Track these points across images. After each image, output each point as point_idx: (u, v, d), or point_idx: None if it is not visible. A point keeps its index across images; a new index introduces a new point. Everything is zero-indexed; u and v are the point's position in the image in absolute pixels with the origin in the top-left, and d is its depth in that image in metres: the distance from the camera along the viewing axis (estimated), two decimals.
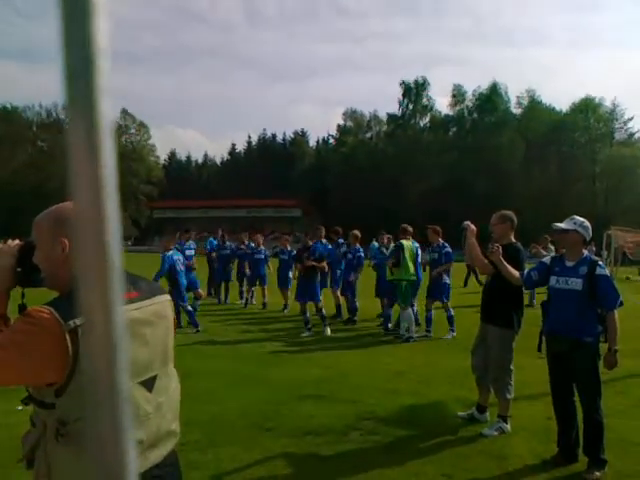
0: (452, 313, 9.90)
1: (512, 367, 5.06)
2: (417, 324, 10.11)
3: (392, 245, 10.75)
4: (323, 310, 9.99)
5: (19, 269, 1.73)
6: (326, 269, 10.67)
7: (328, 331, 9.92)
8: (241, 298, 14.14)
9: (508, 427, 4.99)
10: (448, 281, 9.98)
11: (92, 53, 0.40)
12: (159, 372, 1.73)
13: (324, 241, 12.60)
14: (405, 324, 9.54)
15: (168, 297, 1.85)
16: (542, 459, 4.32)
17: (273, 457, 4.35)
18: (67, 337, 1.49)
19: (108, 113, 0.41)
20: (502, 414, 5.03)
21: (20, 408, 5.20)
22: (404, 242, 9.73)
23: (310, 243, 10.45)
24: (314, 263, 9.89)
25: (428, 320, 9.95)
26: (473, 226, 5.34)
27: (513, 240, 5.20)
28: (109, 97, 0.41)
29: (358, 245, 11.74)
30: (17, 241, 1.81)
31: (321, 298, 9.97)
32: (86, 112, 0.40)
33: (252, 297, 14.12)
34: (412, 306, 9.78)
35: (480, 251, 5.14)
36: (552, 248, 13.10)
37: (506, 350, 5.02)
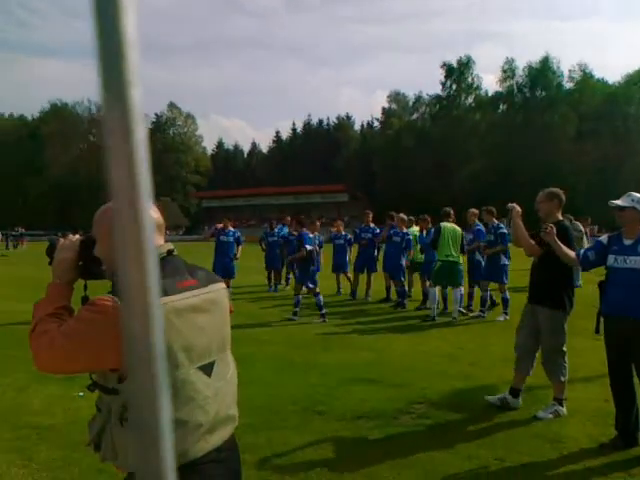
0: (508, 296, 9.78)
1: (565, 349, 4.94)
2: (461, 305, 10.15)
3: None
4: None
5: (80, 263, 1.79)
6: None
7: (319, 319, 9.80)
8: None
9: (564, 410, 4.87)
10: (507, 262, 9.83)
11: (123, 46, 0.42)
12: (217, 358, 1.77)
13: (372, 225, 12.64)
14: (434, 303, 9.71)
15: (224, 285, 1.90)
16: (599, 443, 4.22)
17: (324, 441, 4.40)
18: None
19: (139, 103, 0.43)
20: (558, 397, 4.92)
21: (81, 394, 5.43)
22: (444, 224, 9.84)
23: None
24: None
25: (483, 301, 9.89)
26: (518, 207, 5.21)
27: (560, 218, 5.05)
28: (139, 88, 0.43)
29: (405, 229, 11.66)
30: (77, 236, 1.88)
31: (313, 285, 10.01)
32: (119, 102, 0.43)
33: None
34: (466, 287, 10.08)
35: (526, 233, 5.02)
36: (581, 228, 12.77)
37: (559, 332, 4.90)
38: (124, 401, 1.58)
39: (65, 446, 4.32)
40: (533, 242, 4.90)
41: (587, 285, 11.58)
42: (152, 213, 1.57)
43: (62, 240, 1.84)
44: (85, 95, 78.92)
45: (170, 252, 1.77)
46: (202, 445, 1.67)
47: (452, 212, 10.07)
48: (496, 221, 9.89)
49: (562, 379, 4.91)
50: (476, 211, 10.22)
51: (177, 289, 1.68)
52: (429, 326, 9.25)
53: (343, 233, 13.30)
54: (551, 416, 4.80)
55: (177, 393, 1.63)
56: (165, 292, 1.63)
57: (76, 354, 1.58)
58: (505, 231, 9.63)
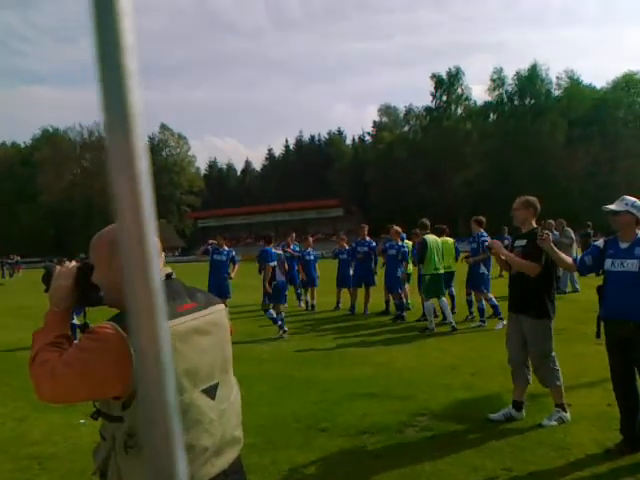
0: (495, 302, 9.86)
1: (554, 354, 4.90)
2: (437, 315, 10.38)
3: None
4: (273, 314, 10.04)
5: (79, 290, 1.78)
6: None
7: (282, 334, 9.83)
8: (299, 300, 14.21)
9: (568, 416, 4.84)
10: (486, 272, 9.85)
11: (125, 73, 0.45)
12: (220, 380, 1.76)
13: (368, 239, 12.67)
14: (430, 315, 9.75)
15: (224, 307, 1.89)
16: (605, 448, 4.20)
17: (329, 457, 4.37)
18: (131, 350, 1.53)
19: (142, 133, 0.46)
20: (558, 403, 4.88)
21: (83, 421, 5.39)
22: (429, 237, 9.97)
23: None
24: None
25: (481, 310, 9.93)
26: (496, 242, 5.31)
27: (534, 225, 5.09)
28: (143, 118, 0.46)
29: (400, 241, 11.67)
30: (74, 263, 1.88)
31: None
32: (123, 132, 0.46)
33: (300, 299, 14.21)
34: (451, 296, 10.60)
35: (517, 257, 4.97)
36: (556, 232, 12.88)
37: (545, 338, 4.86)
38: (128, 429, 1.56)
39: (67, 475, 4.27)
40: (527, 262, 4.85)
41: (586, 290, 11.62)
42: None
43: (58, 267, 1.83)
44: (77, 120, 79.25)
45: (168, 276, 1.77)
46: (209, 469, 1.65)
47: (446, 228, 10.35)
48: (481, 230, 10.02)
49: (558, 383, 4.87)
50: (481, 219, 10.23)
51: (177, 313, 1.67)
52: (428, 338, 9.23)
53: (347, 248, 13.34)
54: (555, 423, 4.76)
55: (182, 418, 1.60)
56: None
57: (78, 383, 1.56)
58: (487, 239, 9.71)
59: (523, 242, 5.02)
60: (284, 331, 9.83)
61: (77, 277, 1.77)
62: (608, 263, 4.27)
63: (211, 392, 1.71)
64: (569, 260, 4.64)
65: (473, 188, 56.18)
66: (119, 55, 0.44)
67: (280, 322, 9.91)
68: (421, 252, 9.88)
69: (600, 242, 4.54)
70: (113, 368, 1.54)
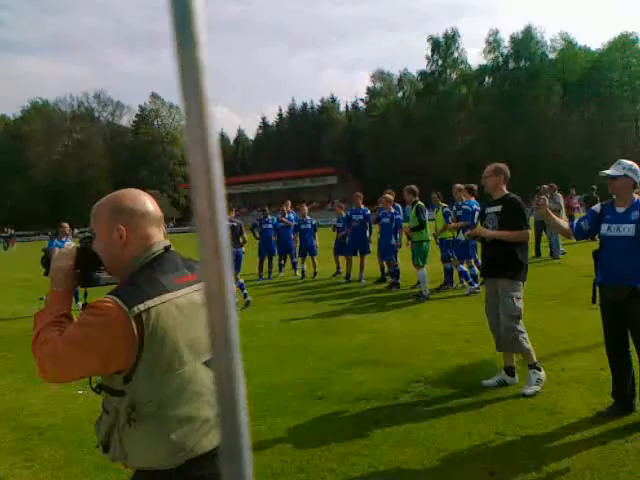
0: (463, 269, 10.21)
1: (522, 318, 4.90)
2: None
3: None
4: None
5: (78, 270, 1.77)
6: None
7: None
8: (294, 269, 14.25)
9: (543, 374, 4.86)
10: (461, 239, 9.86)
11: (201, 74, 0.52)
12: None
13: (363, 207, 12.65)
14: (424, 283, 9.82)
15: None
16: (597, 411, 4.26)
17: (325, 424, 4.43)
18: (133, 324, 1.53)
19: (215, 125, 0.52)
20: (531, 363, 4.87)
21: (81, 392, 5.43)
22: (421, 204, 10.03)
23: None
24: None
25: (474, 276, 10.00)
26: (475, 231, 5.39)
27: (506, 192, 5.10)
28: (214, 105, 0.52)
29: (392, 209, 11.60)
30: (73, 244, 1.86)
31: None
32: (199, 114, 0.52)
33: (295, 268, 14.25)
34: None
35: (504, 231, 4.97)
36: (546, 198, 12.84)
37: (517, 301, 4.87)
38: (130, 402, 1.57)
39: (67, 445, 4.33)
40: (516, 232, 4.87)
41: (581, 256, 11.71)
42: (149, 205, 1.53)
43: (57, 250, 1.81)
44: (67, 92, 78.13)
45: (167, 248, 1.75)
46: (210, 440, 1.66)
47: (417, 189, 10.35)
48: (464, 198, 10.08)
49: (527, 346, 4.86)
50: (460, 186, 10.31)
51: (177, 285, 1.67)
52: (424, 305, 9.29)
53: (343, 215, 13.34)
54: (537, 388, 4.76)
55: (184, 389, 1.62)
56: (165, 289, 1.62)
57: (80, 360, 1.56)
58: (468, 208, 9.88)
59: (497, 208, 5.04)
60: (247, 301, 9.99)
61: (77, 257, 1.76)
62: (604, 228, 4.26)
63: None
64: (565, 225, 4.62)
65: (468, 154, 55.94)
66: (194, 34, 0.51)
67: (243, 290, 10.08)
68: (422, 218, 9.88)
69: (597, 207, 4.52)
70: (114, 342, 1.54)
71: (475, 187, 10.15)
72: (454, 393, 4.95)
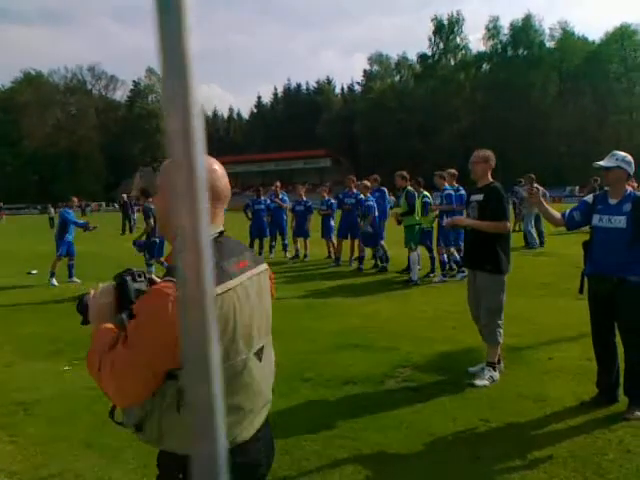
0: (445, 258, 10.20)
1: (502, 311, 4.88)
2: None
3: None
4: None
5: (118, 305, 1.69)
6: None
7: None
8: (284, 250, 14.23)
9: (497, 374, 4.85)
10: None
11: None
12: (265, 342, 1.71)
13: (355, 190, 12.59)
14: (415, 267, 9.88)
15: (267, 266, 1.80)
16: (581, 400, 4.30)
17: (312, 407, 4.44)
18: None
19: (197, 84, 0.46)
20: (491, 361, 4.87)
21: (67, 368, 5.42)
22: (411, 188, 10.04)
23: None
24: None
25: (457, 263, 10.16)
26: (454, 220, 5.56)
27: (491, 180, 5.02)
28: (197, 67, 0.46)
29: (369, 195, 11.70)
30: (106, 284, 1.73)
31: None
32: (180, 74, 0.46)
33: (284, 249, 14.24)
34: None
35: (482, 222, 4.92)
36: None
37: (499, 294, 4.83)
38: (181, 386, 1.48)
39: (53, 421, 4.32)
40: (495, 223, 4.80)
41: (571, 246, 11.76)
42: (222, 181, 1.59)
43: (92, 292, 1.73)
44: (61, 63, 77.14)
45: (222, 233, 1.67)
46: (249, 430, 1.63)
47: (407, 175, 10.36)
48: (446, 184, 10.08)
49: (500, 340, 4.87)
50: (443, 174, 10.28)
51: (239, 271, 1.59)
52: (413, 290, 9.32)
53: (326, 198, 13.32)
54: (487, 383, 4.75)
55: (235, 379, 1.56)
56: (229, 276, 1.54)
57: (149, 358, 1.45)
58: (451, 193, 9.92)
59: (480, 197, 4.97)
60: None
61: (116, 294, 1.69)
62: (596, 219, 4.26)
63: (259, 355, 1.66)
64: (557, 215, 4.60)
65: (464, 140, 55.90)
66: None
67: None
68: (412, 203, 9.87)
69: (589, 197, 4.52)
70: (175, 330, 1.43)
71: (444, 174, 10.22)
72: (441, 378, 4.98)
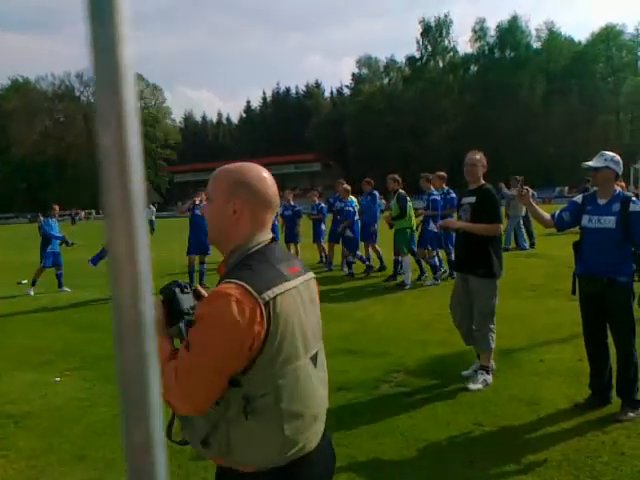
0: (436, 262, 10.11)
1: (494, 314, 4.88)
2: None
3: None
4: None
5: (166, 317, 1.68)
6: None
7: None
8: None
9: (491, 378, 4.86)
10: (435, 229, 9.84)
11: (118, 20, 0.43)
12: (318, 348, 1.69)
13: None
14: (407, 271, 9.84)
15: (313, 274, 1.81)
16: (574, 402, 4.31)
17: None
18: (263, 311, 1.45)
19: (130, 61, 0.43)
20: (484, 364, 4.87)
21: (58, 379, 5.37)
22: (403, 192, 9.97)
23: None
24: None
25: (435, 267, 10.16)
26: (446, 222, 5.52)
27: (483, 182, 5.00)
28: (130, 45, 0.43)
29: (351, 198, 11.80)
30: (155, 298, 1.73)
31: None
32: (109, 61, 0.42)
33: None
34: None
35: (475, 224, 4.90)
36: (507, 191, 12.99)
37: (491, 297, 4.82)
38: (246, 393, 1.48)
39: (43, 434, 4.27)
40: (486, 225, 4.79)
41: (562, 247, 11.81)
42: (272, 189, 1.60)
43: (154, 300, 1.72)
44: (49, 70, 76.77)
45: (273, 239, 1.68)
46: (315, 437, 1.61)
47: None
48: (432, 188, 10.03)
49: (492, 345, 4.87)
50: (430, 176, 10.21)
51: (291, 275, 1.59)
52: (406, 294, 9.32)
53: (317, 203, 13.33)
54: (481, 386, 4.75)
55: (297, 384, 1.54)
56: (285, 278, 1.55)
57: (216, 361, 1.44)
58: (436, 198, 9.86)
59: (472, 199, 4.94)
60: None
61: (164, 307, 1.68)
62: (585, 219, 4.27)
63: (314, 359, 1.64)
64: (547, 216, 4.61)
65: (453, 142, 56.15)
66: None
67: None
68: (404, 207, 9.85)
69: (578, 197, 4.53)
70: (248, 330, 1.43)
71: (430, 176, 10.18)
72: (434, 383, 4.98)
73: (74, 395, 5.01)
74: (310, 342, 1.61)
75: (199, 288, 1.81)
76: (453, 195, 9.96)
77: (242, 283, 1.46)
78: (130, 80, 0.43)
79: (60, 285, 11.17)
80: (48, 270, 11.10)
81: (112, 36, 0.42)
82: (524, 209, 13.18)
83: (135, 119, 0.44)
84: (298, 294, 1.59)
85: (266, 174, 1.69)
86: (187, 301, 1.71)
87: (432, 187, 10.04)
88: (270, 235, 1.67)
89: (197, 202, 11.64)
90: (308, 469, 1.58)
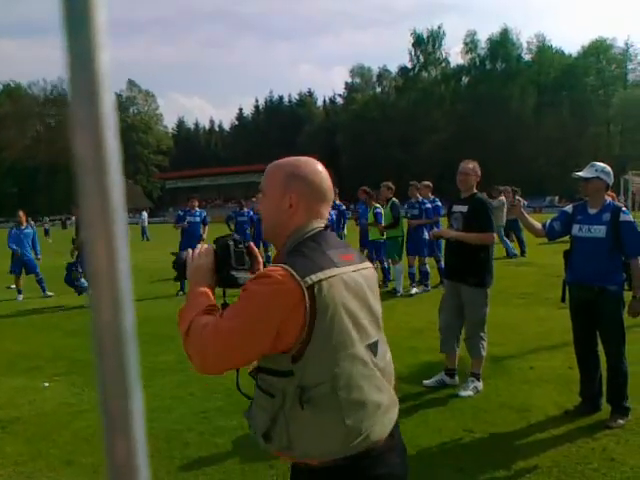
0: (428, 269, 10.13)
1: (485, 323, 4.88)
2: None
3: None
4: None
5: (218, 268, 1.70)
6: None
7: None
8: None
9: (481, 385, 4.87)
10: (426, 236, 9.85)
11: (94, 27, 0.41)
12: (378, 337, 1.66)
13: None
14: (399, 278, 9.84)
15: (371, 265, 1.78)
16: (564, 409, 4.32)
17: None
18: (306, 294, 1.43)
19: (107, 67, 0.42)
20: (476, 372, 4.87)
21: (47, 384, 5.33)
22: (396, 200, 9.99)
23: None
24: None
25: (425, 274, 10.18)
26: (439, 232, 5.53)
27: (475, 191, 4.99)
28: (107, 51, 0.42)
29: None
30: (207, 245, 1.75)
31: None
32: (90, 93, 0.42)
33: None
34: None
35: (468, 233, 4.88)
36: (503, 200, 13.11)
37: (483, 306, 4.82)
38: (300, 382, 1.47)
39: (31, 439, 4.23)
40: (480, 234, 4.77)
41: (552, 256, 11.87)
42: (327, 182, 1.64)
43: (190, 251, 1.73)
44: (40, 75, 76.57)
45: (327, 227, 1.67)
46: (382, 428, 1.57)
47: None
48: (420, 196, 10.06)
49: (483, 353, 4.87)
50: (418, 185, 10.25)
51: (343, 261, 1.57)
52: (397, 301, 9.33)
53: None
54: (472, 393, 4.75)
55: (355, 371, 1.52)
56: (334, 264, 1.53)
57: (249, 336, 1.44)
58: (429, 206, 9.93)
59: (464, 208, 4.92)
60: None
61: (215, 257, 1.69)
62: (575, 228, 4.30)
63: (373, 348, 1.61)
64: (538, 226, 4.63)
65: (444, 152, 56.44)
66: (88, 6, 0.41)
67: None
68: (397, 215, 9.87)
69: (569, 207, 4.57)
70: (288, 313, 1.43)
71: (419, 185, 10.23)
72: (424, 390, 4.97)
73: (63, 400, 4.97)
74: (366, 330, 1.59)
75: (252, 246, 1.81)
76: (439, 204, 10.11)
77: (287, 267, 1.46)
78: (107, 87, 0.42)
79: (43, 290, 11.13)
80: (31, 277, 11.14)
81: (88, 43, 0.41)
82: (504, 218, 13.31)
83: (113, 127, 0.43)
84: (351, 281, 1.57)
85: (320, 167, 1.69)
86: (239, 257, 1.72)
87: (419, 195, 10.08)
88: (324, 223, 1.66)
89: (188, 209, 11.62)
90: (379, 469, 1.55)
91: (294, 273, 1.44)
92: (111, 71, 0.42)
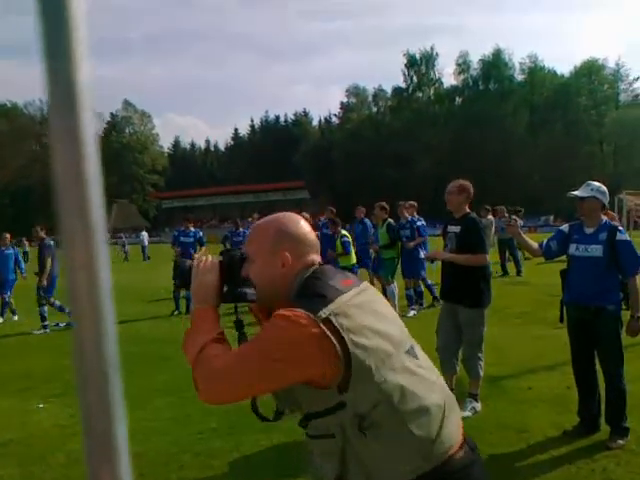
0: (422, 289, 10.15)
1: (483, 342, 4.87)
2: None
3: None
4: None
5: (224, 287, 1.66)
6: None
7: None
8: None
9: (479, 405, 4.84)
10: (423, 256, 9.75)
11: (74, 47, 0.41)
12: (411, 343, 1.64)
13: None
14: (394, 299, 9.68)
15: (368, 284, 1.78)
16: (563, 430, 4.29)
17: (294, 440, 4.35)
18: (324, 328, 1.42)
19: (91, 116, 0.42)
20: (474, 392, 4.85)
21: (41, 406, 5.26)
22: (392, 221, 9.95)
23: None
24: None
25: (420, 294, 10.21)
26: (433, 253, 5.55)
27: (468, 211, 4.98)
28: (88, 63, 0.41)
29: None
30: (212, 258, 1.71)
31: None
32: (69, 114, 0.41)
33: None
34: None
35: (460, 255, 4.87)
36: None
37: (480, 327, 4.81)
38: (356, 410, 1.44)
39: (24, 462, 4.17)
40: (472, 256, 4.75)
41: (548, 275, 11.88)
42: (310, 231, 1.65)
43: (189, 262, 1.72)
44: (37, 95, 76.80)
45: (319, 263, 1.68)
46: (452, 429, 1.55)
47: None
48: (409, 216, 10.06)
49: (481, 374, 4.85)
50: (407, 205, 10.25)
51: (346, 287, 1.57)
52: None
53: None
54: (469, 414, 4.70)
55: (402, 383, 1.48)
56: (340, 291, 1.52)
57: (264, 377, 1.45)
58: (420, 224, 9.98)
59: (457, 228, 4.91)
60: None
61: (221, 271, 1.65)
62: (572, 248, 4.31)
63: (412, 353, 1.59)
64: (535, 245, 4.64)
65: (438, 171, 56.76)
66: (67, 26, 0.40)
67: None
68: (393, 235, 9.83)
69: (565, 227, 4.58)
70: (309, 346, 1.42)
71: (408, 205, 10.24)
72: None
73: (56, 422, 4.91)
74: (397, 339, 1.57)
75: None
76: (423, 222, 10.18)
77: (300, 308, 1.46)
78: (87, 105, 0.41)
79: (2, 313, 11.11)
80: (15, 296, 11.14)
81: (67, 61, 0.40)
82: (494, 238, 13.43)
83: (93, 144, 0.43)
84: (359, 302, 1.56)
85: (299, 217, 1.71)
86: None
87: (407, 215, 10.06)
88: (315, 266, 1.65)
89: (183, 229, 11.62)
90: (464, 473, 1.52)
91: (309, 313, 1.43)
92: (92, 88, 0.41)
